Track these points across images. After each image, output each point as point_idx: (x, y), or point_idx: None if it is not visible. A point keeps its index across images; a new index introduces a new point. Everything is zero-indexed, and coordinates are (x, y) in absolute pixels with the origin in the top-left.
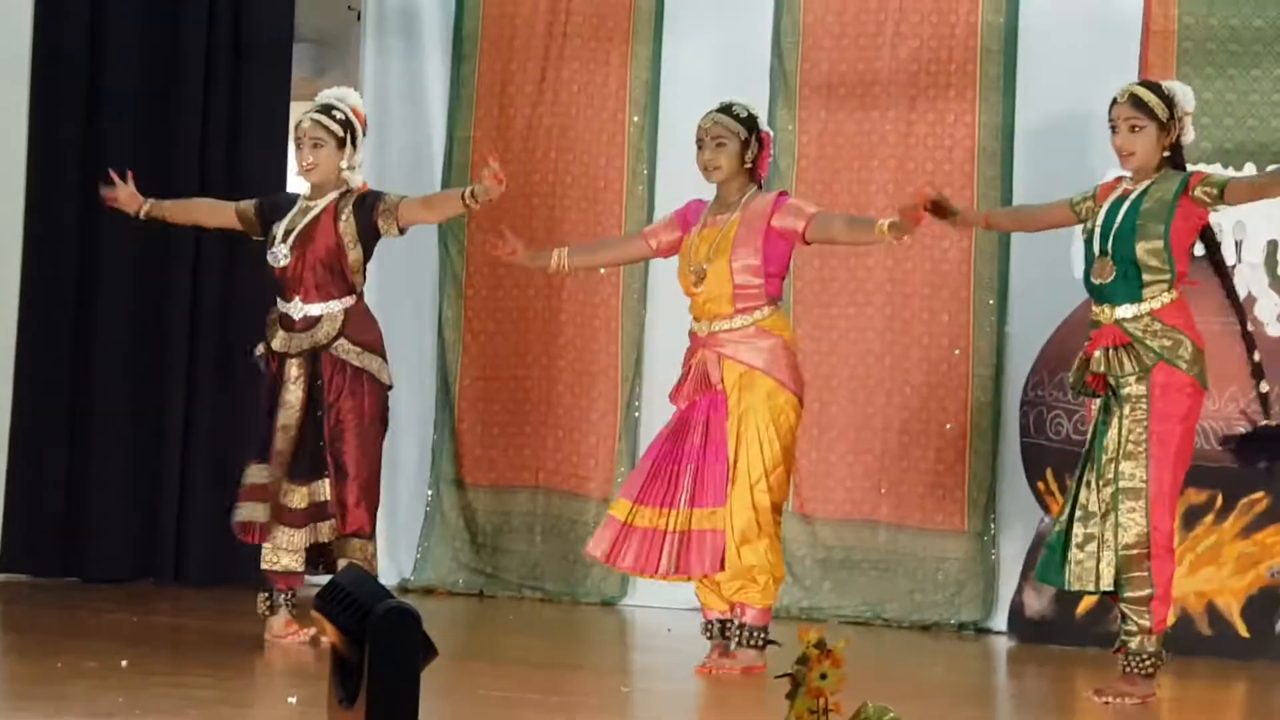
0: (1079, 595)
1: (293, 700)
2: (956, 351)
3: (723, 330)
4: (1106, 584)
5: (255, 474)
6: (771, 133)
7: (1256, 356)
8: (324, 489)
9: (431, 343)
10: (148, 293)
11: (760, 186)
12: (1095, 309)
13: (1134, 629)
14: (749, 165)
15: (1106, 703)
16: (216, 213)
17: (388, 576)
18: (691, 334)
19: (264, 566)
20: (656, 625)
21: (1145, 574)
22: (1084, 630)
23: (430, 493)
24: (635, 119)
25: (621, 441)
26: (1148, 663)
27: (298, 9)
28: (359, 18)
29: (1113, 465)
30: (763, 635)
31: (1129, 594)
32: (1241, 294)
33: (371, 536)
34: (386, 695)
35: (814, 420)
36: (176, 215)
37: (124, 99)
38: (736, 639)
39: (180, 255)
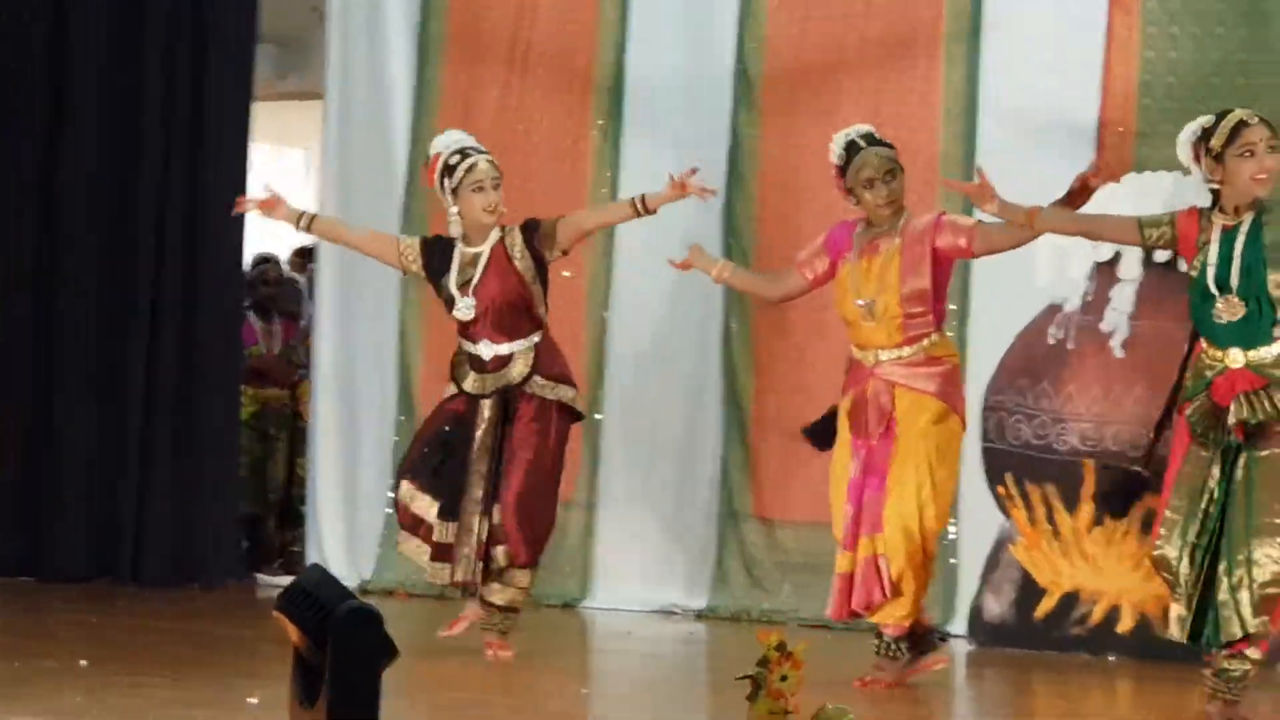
0: (1038, 597)
1: (253, 700)
2: None
3: (890, 360)
4: (1253, 627)
5: (442, 533)
6: None
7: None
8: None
9: (393, 344)
10: (109, 291)
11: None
12: (1214, 353)
13: (1246, 666)
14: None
15: None
16: (378, 243)
17: (348, 578)
18: (855, 362)
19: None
20: (617, 627)
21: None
22: (1043, 634)
23: (391, 495)
24: (600, 123)
25: (584, 445)
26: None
27: (261, 9)
28: (323, 19)
29: (1243, 499)
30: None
31: (1256, 632)
32: None
33: (534, 568)
34: (347, 696)
35: (775, 423)
36: (331, 233)
37: (86, 98)
38: (884, 650)
39: (143, 254)
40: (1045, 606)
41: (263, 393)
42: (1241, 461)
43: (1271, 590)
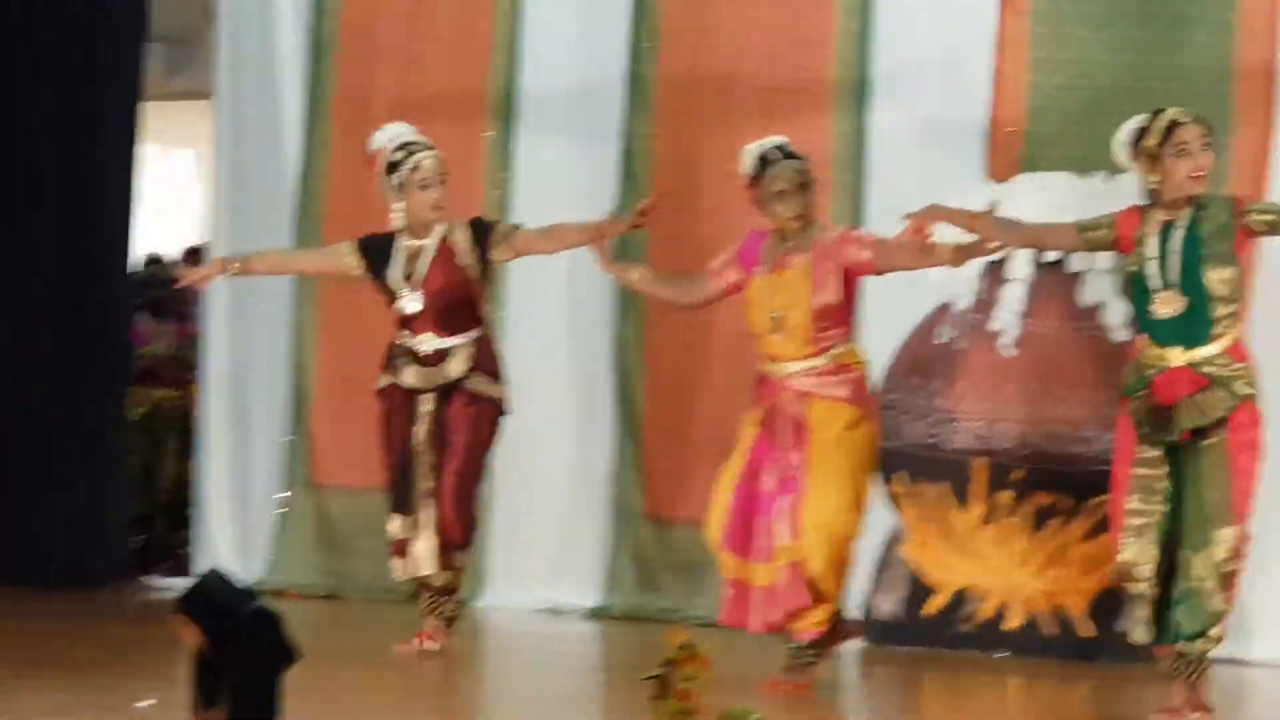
0: (929, 595)
1: (149, 703)
2: None
3: (801, 371)
4: (1218, 605)
5: (400, 528)
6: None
7: None
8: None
9: (286, 344)
10: (2, 289)
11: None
12: (1154, 350)
13: (1206, 646)
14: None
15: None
16: (322, 259)
17: (239, 579)
18: (764, 376)
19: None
20: (509, 626)
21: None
22: (933, 632)
23: (283, 495)
24: (494, 125)
25: None
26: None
27: (151, 8)
28: (211, 19)
29: (1197, 495)
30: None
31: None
32: (1089, 300)
33: (467, 549)
34: (249, 698)
35: (668, 423)
36: (277, 266)
37: None
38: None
39: (32, 254)
40: (936, 604)
41: (153, 393)
42: (1191, 460)
43: (1229, 567)
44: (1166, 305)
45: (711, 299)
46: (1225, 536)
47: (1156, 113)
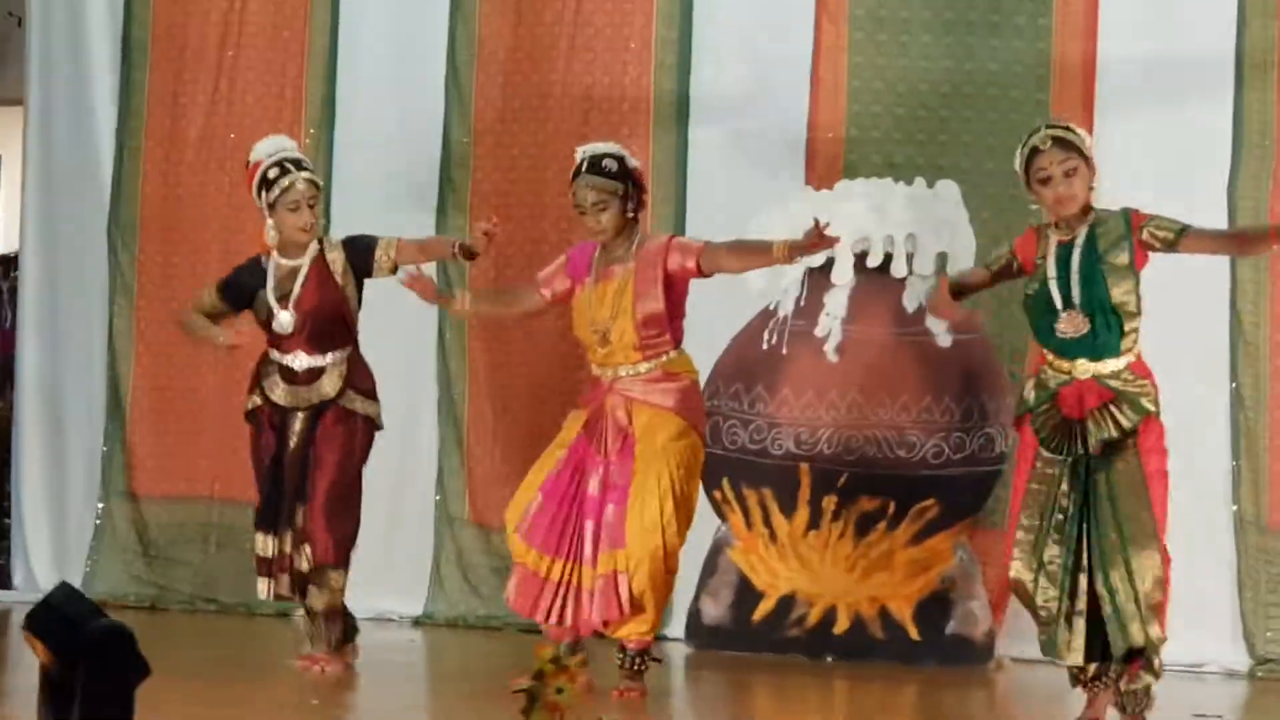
0: (756, 600)
1: None
2: None
3: (628, 375)
4: (1143, 639)
5: (264, 546)
6: (638, 166)
7: None
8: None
9: (101, 353)
10: None
11: (639, 226)
12: (1060, 363)
13: (1149, 680)
14: (631, 215)
15: None
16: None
17: None
18: (593, 378)
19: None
20: None
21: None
22: (761, 637)
23: (100, 505)
24: (312, 131)
25: None
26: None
27: None
28: (20, 24)
29: (1110, 511)
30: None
31: (1152, 642)
32: (912, 306)
33: (343, 567)
34: (100, 714)
35: (489, 429)
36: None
37: None
38: (626, 663)
39: None
40: (763, 609)
41: None
42: (1100, 477)
43: (1157, 596)
44: (1070, 324)
45: (539, 309)
46: (1150, 564)
47: (1031, 133)
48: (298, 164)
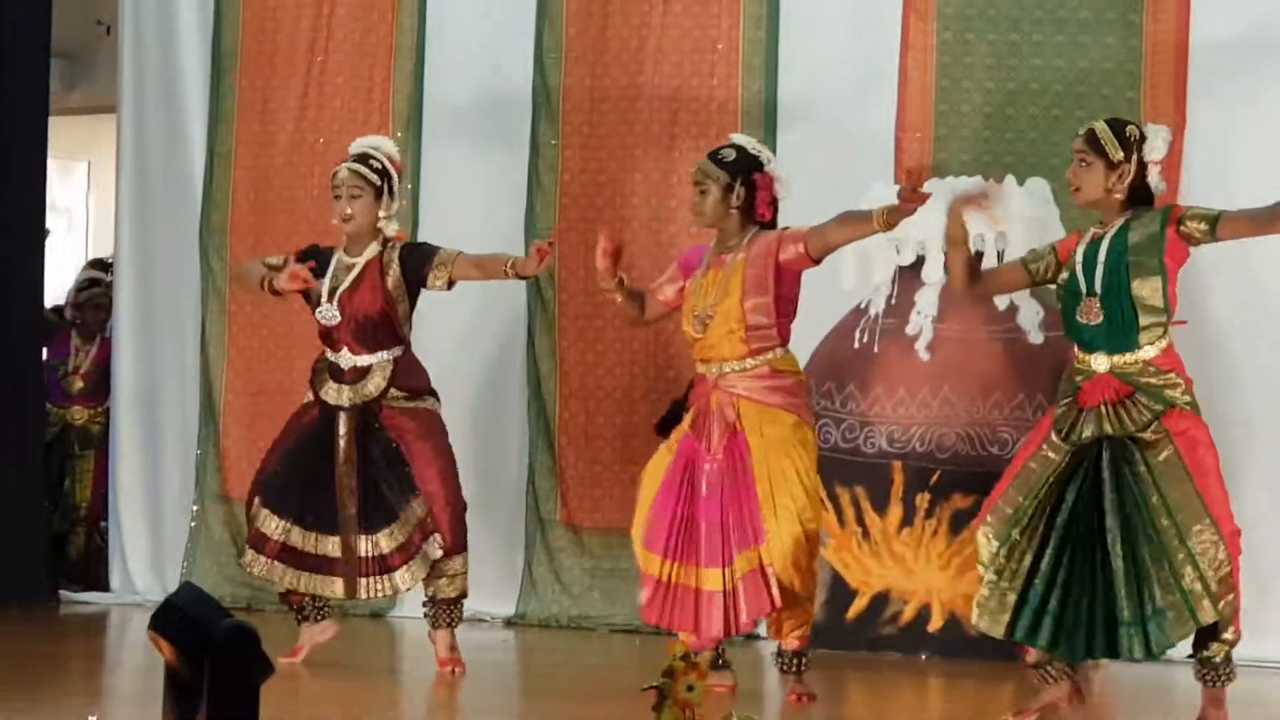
0: (850, 599)
1: (92, 719)
2: None
3: (734, 372)
4: (1214, 615)
5: (278, 531)
6: (773, 174)
7: None
8: (403, 533)
9: (194, 358)
10: None
11: (766, 225)
12: (1083, 357)
13: (1222, 649)
14: (736, 207)
15: None
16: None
17: (153, 592)
18: (700, 376)
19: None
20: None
21: (1233, 594)
22: (855, 634)
23: (195, 508)
24: (399, 134)
25: None
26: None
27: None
28: (109, 32)
29: (1158, 502)
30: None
31: (1223, 616)
32: (1003, 303)
33: (466, 553)
34: (228, 712)
35: (581, 430)
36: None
37: None
38: (791, 667)
39: None
40: (856, 607)
41: (70, 409)
42: (1138, 474)
43: (1224, 570)
44: (1089, 314)
45: (659, 316)
46: (1208, 541)
47: None
48: (360, 156)
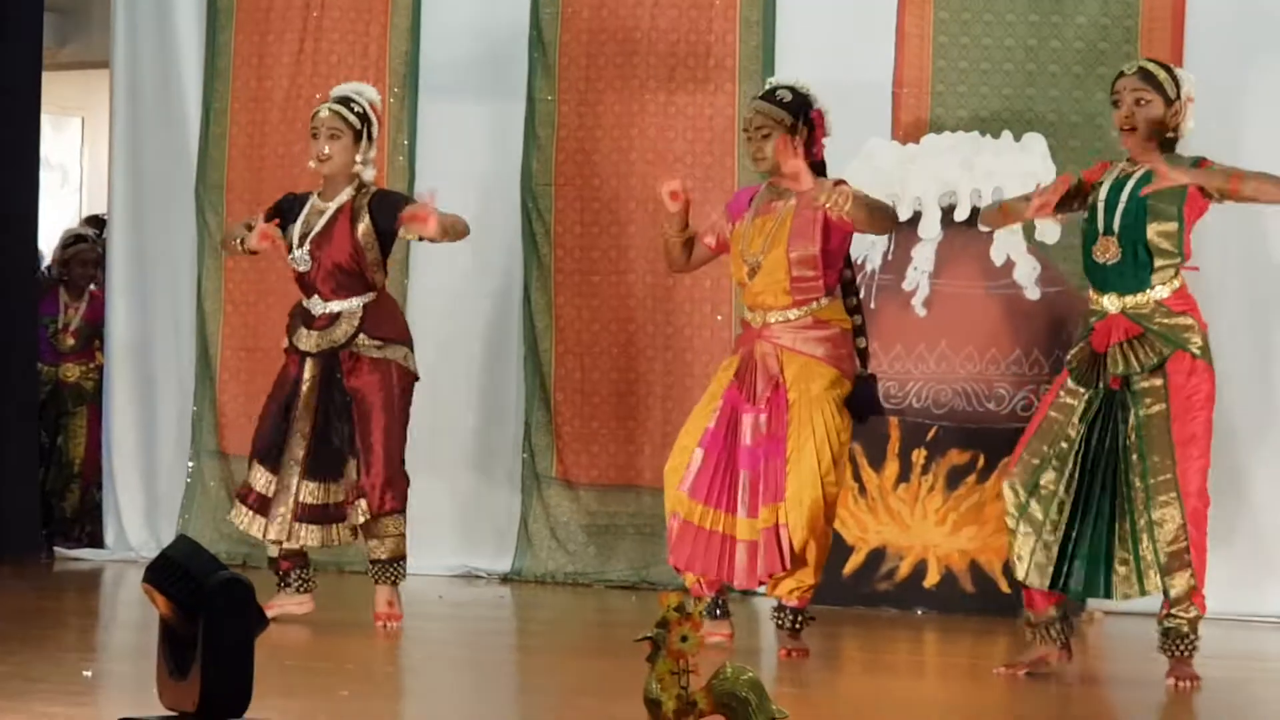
0: (846, 554)
1: (88, 674)
2: (719, 317)
3: (778, 322)
4: (1159, 588)
5: (262, 484)
6: (824, 110)
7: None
8: (342, 489)
9: (189, 314)
10: None
11: (816, 166)
12: (1096, 298)
13: (1179, 624)
14: (800, 151)
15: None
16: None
17: (147, 548)
18: (744, 324)
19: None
20: (427, 590)
21: (1188, 571)
22: (851, 590)
23: (191, 464)
24: (395, 90)
25: None
26: (1193, 641)
27: None
28: None
29: (1137, 461)
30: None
31: (1177, 593)
32: (1000, 259)
33: (403, 513)
34: (222, 665)
35: (577, 387)
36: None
37: None
38: (786, 623)
39: None
40: (853, 563)
41: (62, 365)
42: (1128, 426)
43: (1178, 545)
44: (1104, 251)
45: (705, 259)
46: (1170, 514)
47: None
48: (342, 99)
